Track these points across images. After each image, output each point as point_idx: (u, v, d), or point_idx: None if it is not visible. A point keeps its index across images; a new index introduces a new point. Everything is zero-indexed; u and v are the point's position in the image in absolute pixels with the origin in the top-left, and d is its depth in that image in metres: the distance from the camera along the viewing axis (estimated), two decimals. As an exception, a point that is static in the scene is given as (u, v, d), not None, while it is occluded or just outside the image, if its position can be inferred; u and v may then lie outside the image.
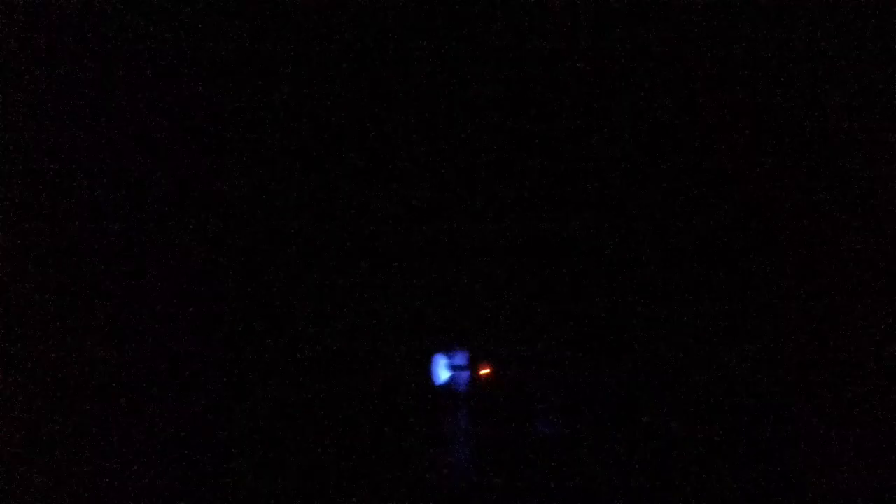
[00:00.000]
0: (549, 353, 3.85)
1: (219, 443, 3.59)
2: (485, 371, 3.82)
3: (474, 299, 3.89)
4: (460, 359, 3.86)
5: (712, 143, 3.74)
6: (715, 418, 3.69)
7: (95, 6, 3.39)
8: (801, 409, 3.56)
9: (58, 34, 3.36)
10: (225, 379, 3.61)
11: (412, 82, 3.75)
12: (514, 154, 3.84)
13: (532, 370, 3.85)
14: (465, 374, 3.84)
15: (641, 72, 3.73)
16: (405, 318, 3.85)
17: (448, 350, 3.86)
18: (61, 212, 3.35)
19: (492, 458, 3.81)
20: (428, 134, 3.78)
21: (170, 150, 3.50)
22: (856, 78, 3.54)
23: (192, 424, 3.50)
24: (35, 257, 3.29)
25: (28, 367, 3.25)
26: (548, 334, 3.86)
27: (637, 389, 3.78)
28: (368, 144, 3.79)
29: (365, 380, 3.79)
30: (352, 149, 3.78)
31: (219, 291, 3.57)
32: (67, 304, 3.32)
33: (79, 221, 3.38)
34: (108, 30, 3.41)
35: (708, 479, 3.65)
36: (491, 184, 3.87)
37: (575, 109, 3.81)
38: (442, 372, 3.85)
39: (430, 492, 3.76)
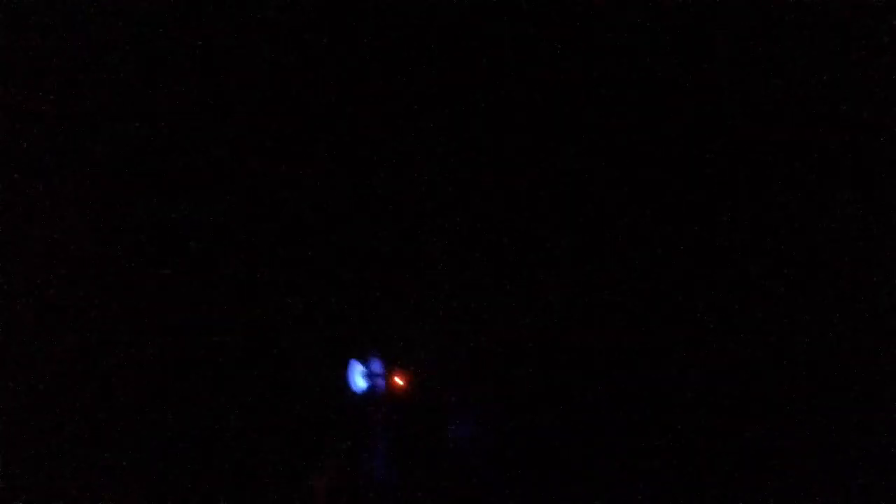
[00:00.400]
0: (464, 360, 3.90)
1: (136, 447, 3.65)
2: (399, 379, 3.87)
3: (393, 307, 3.95)
4: (377, 366, 3.91)
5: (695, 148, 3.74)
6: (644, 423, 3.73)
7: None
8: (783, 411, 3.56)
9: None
10: (144, 383, 3.67)
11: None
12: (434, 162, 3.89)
13: (448, 377, 3.90)
14: (381, 381, 3.89)
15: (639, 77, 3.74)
16: (323, 326, 3.91)
17: (364, 357, 3.91)
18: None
19: (408, 462, 3.86)
20: (348, 136, 3.83)
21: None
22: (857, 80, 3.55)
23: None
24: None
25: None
26: (464, 341, 3.91)
27: (557, 395, 3.82)
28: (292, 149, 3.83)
29: (282, 386, 3.85)
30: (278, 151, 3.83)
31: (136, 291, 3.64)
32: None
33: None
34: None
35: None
36: (410, 194, 3.92)
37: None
38: (358, 379, 3.90)
39: (349, 493, 3.81)
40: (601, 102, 3.81)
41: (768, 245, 3.73)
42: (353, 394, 3.90)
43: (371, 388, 3.91)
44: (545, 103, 3.84)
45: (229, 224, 3.84)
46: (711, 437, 3.61)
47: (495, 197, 3.92)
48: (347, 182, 3.92)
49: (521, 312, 3.85)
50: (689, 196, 3.75)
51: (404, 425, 3.89)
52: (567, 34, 3.78)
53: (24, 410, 3.51)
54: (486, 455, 3.81)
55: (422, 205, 3.94)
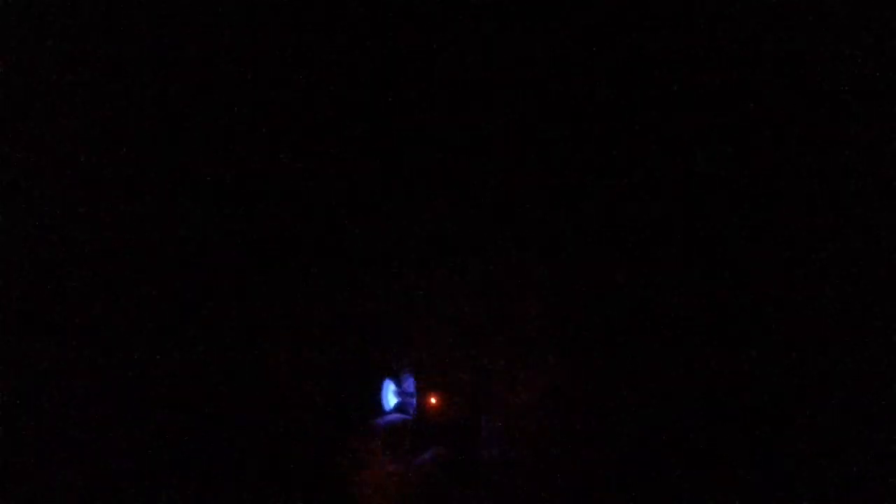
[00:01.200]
0: (497, 380, 3.96)
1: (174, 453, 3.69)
2: (433, 400, 3.94)
3: (424, 325, 4.00)
4: (409, 385, 3.99)
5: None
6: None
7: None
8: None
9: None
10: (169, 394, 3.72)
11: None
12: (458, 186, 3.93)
13: (479, 396, 3.96)
14: (412, 401, 3.97)
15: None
16: (355, 343, 3.96)
17: (398, 376, 3.99)
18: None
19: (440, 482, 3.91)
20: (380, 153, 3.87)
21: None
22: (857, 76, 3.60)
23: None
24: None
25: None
26: (496, 362, 3.97)
27: (585, 415, 3.87)
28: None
29: (312, 402, 3.90)
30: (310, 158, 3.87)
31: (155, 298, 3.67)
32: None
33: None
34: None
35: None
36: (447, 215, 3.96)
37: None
38: (390, 397, 3.98)
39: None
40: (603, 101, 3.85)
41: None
42: (384, 411, 3.98)
43: (401, 407, 3.99)
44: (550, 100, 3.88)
45: (265, 234, 3.87)
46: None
47: (541, 212, 3.95)
48: (387, 193, 3.96)
49: (559, 338, 3.90)
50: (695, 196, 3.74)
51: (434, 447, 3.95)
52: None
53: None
54: (516, 478, 3.87)
55: (469, 224, 3.99)
